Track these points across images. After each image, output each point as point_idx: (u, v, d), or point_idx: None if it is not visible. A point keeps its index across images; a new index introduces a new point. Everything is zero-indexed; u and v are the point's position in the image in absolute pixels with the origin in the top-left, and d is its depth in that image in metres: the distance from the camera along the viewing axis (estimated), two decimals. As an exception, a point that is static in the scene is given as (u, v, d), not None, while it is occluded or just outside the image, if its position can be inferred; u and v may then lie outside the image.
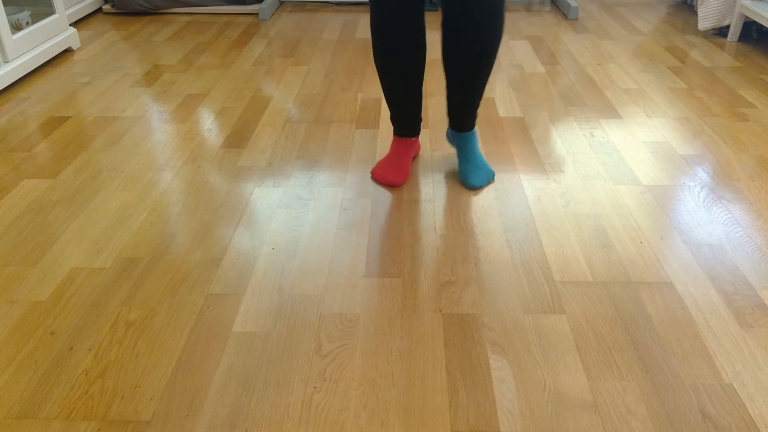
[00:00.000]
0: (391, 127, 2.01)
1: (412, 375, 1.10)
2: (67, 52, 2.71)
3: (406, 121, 1.71)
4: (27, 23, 2.43)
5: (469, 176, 1.67)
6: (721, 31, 2.88)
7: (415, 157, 1.83)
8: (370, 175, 1.73)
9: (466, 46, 1.52)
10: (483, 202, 1.61)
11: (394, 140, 1.75)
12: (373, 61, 2.58)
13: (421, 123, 2.03)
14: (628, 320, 1.22)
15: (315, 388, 1.08)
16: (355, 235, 1.48)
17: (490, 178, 1.69)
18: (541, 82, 2.37)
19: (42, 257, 1.41)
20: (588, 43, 2.80)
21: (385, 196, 1.64)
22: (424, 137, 1.94)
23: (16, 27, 2.38)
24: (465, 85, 1.59)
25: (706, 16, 2.77)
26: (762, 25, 2.84)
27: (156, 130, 2.01)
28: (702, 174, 1.72)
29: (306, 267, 1.37)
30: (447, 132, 1.77)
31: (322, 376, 1.10)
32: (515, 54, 2.67)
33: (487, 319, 1.22)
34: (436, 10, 3.34)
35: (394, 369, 1.11)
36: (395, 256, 1.40)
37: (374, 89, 2.31)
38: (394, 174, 1.68)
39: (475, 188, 1.66)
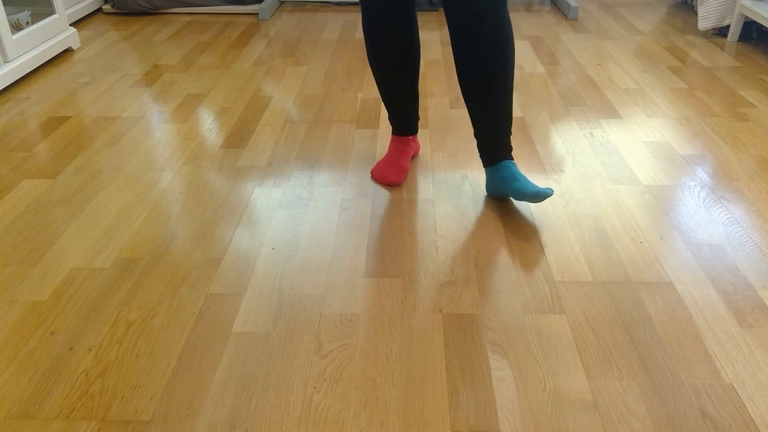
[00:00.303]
0: (391, 127, 2.01)
1: (412, 375, 1.10)
2: (67, 52, 2.71)
3: (404, 119, 1.71)
4: (27, 23, 2.43)
5: (533, 187, 1.47)
6: (721, 31, 2.88)
7: (415, 156, 1.83)
8: (369, 175, 1.73)
9: (473, 52, 1.43)
10: (483, 202, 1.61)
11: (392, 140, 1.75)
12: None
13: (420, 122, 2.03)
14: (628, 320, 1.22)
15: (315, 388, 1.08)
16: (355, 235, 1.48)
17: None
18: (541, 82, 2.37)
19: (42, 257, 1.41)
20: (588, 43, 2.80)
21: (385, 196, 1.64)
22: (424, 137, 1.94)
23: (16, 27, 2.38)
24: (484, 98, 1.48)
25: (706, 16, 2.77)
26: (762, 25, 2.84)
27: (156, 130, 2.01)
28: (702, 174, 1.72)
29: (306, 267, 1.37)
30: (486, 182, 1.61)
31: (322, 376, 1.10)
32: (515, 54, 2.67)
33: (487, 319, 1.22)
34: (436, 11, 3.33)
35: (394, 369, 1.11)
36: (395, 256, 1.40)
37: (374, 89, 2.31)
38: (394, 173, 1.68)
39: (548, 196, 1.46)
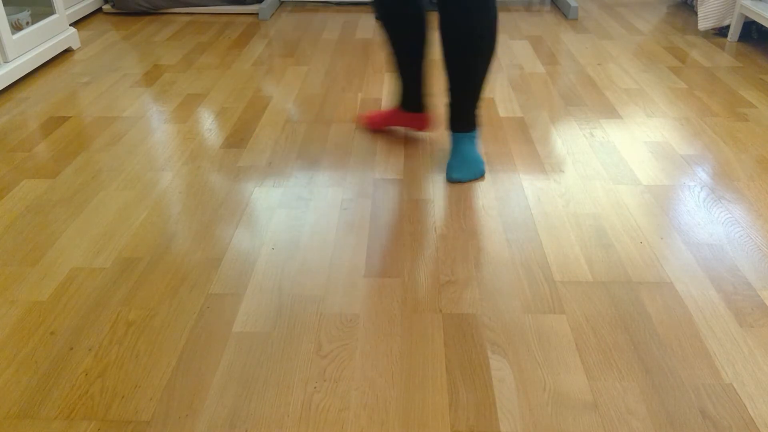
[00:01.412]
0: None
1: (412, 375, 1.10)
2: (67, 52, 2.71)
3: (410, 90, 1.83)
4: (27, 23, 2.43)
5: (450, 169, 1.70)
6: (721, 31, 2.88)
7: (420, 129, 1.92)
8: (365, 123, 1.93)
9: (459, 40, 1.56)
10: (483, 202, 1.61)
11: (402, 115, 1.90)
12: (371, 61, 2.58)
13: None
14: (628, 320, 1.22)
15: (315, 388, 1.08)
16: (355, 235, 1.48)
17: (477, 175, 1.70)
18: (541, 82, 2.37)
19: (42, 257, 1.41)
20: (588, 43, 2.80)
21: (385, 196, 1.64)
22: (425, 136, 1.94)
23: (16, 27, 2.38)
24: (462, 79, 1.62)
25: (706, 16, 2.77)
26: (762, 25, 2.84)
27: (156, 130, 2.01)
28: (702, 174, 1.72)
29: (306, 267, 1.37)
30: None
31: (322, 376, 1.10)
32: (515, 54, 2.67)
33: (487, 319, 1.22)
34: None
35: (394, 369, 1.11)
36: (395, 256, 1.40)
37: (374, 89, 2.31)
38: (378, 123, 1.92)
39: (455, 182, 1.69)
